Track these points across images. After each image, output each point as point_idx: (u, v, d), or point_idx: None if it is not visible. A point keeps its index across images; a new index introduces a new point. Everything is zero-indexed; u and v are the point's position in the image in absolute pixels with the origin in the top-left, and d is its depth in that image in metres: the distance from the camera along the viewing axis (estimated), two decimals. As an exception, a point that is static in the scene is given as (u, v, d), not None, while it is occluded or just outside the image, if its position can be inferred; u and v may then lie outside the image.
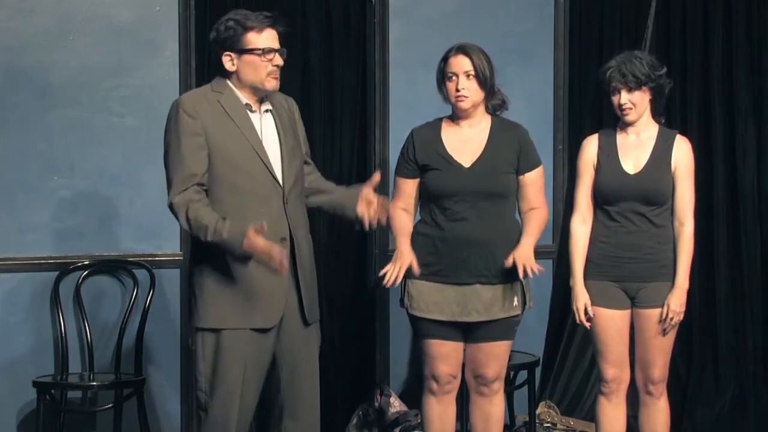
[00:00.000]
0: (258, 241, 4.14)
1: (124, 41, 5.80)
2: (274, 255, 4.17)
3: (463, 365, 4.95)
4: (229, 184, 4.31)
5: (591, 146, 5.04)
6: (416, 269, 4.75)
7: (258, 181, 4.32)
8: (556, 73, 6.46)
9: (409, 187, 4.91)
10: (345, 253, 6.22)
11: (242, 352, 4.30)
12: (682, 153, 4.97)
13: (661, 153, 4.95)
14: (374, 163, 6.14)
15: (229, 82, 4.39)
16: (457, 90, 4.79)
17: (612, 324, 4.96)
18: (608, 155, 4.99)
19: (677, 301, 4.90)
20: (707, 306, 6.32)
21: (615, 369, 4.99)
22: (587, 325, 4.97)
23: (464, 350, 4.92)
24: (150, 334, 5.81)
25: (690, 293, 4.98)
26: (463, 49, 4.81)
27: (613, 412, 5.03)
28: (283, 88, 4.51)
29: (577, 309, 4.97)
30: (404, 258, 4.77)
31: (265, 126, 4.42)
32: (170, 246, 5.87)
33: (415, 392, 5.72)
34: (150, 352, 5.84)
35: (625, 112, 4.95)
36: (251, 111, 4.40)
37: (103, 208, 5.81)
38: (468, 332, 4.86)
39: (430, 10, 6.27)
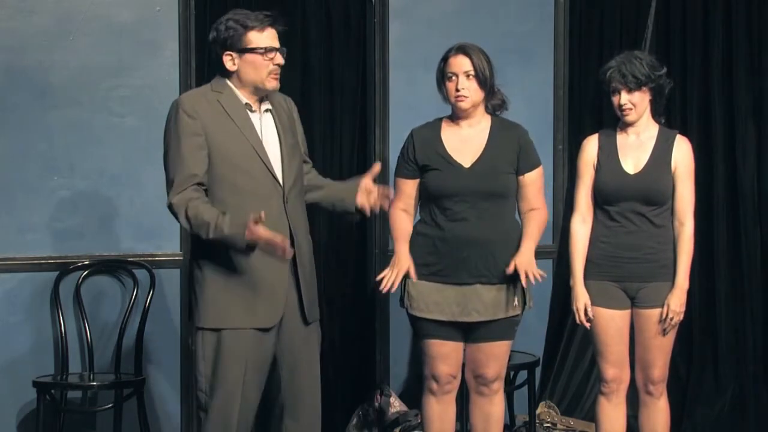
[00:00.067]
0: (260, 230, 4.14)
1: (124, 41, 5.80)
2: (278, 242, 4.17)
3: (463, 365, 4.95)
4: (230, 184, 4.31)
5: (591, 146, 5.04)
6: (413, 276, 4.78)
7: (258, 181, 4.32)
8: (556, 73, 6.46)
9: (409, 188, 4.91)
10: (345, 253, 6.22)
11: (243, 352, 4.30)
12: (682, 153, 4.97)
13: (661, 153, 4.95)
14: (374, 163, 6.14)
15: (228, 82, 4.39)
16: (457, 90, 4.79)
17: (612, 324, 4.96)
18: (608, 155, 4.99)
19: (677, 301, 4.90)
20: (707, 306, 6.32)
21: (615, 369, 4.99)
22: (587, 325, 4.98)
23: (464, 350, 4.92)
24: (150, 334, 5.81)
25: (690, 293, 4.98)
26: (462, 49, 4.81)
27: (613, 412, 5.03)
28: (283, 88, 4.51)
29: (577, 309, 4.97)
30: (401, 264, 4.79)
31: (265, 126, 4.42)
32: (170, 246, 5.87)
33: (415, 392, 5.72)
34: (150, 352, 5.84)
35: (625, 113, 4.95)
36: (251, 111, 4.40)
37: (103, 208, 5.81)
38: (468, 332, 4.86)
39: (430, 10, 6.27)
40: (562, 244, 5.90)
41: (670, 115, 5.72)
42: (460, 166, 4.82)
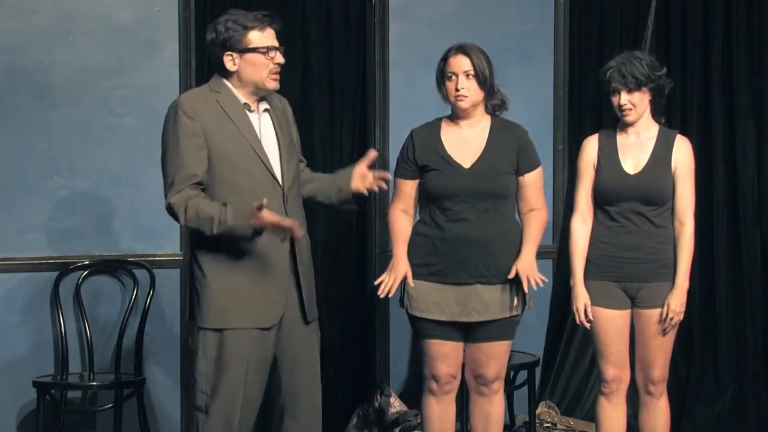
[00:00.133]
0: (265, 215, 4.15)
1: (124, 41, 5.80)
2: (285, 224, 4.18)
3: (463, 365, 4.95)
4: (229, 184, 4.31)
5: (591, 146, 5.04)
6: (411, 281, 4.79)
7: (257, 181, 4.32)
8: (556, 73, 6.46)
9: (409, 188, 4.91)
10: (345, 253, 6.22)
11: (245, 352, 4.30)
12: (683, 153, 4.97)
13: (662, 153, 4.95)
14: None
15: (227, 82, 4.39)
16: (457, 90, 4.79)
17: (612, 324, 4.96)
18: (608, 155, 4.99)
19: (677, 301, 4.90)
20: (707, 306, 6.32)
21: (615, 369, 4.99)
22: (587, 325, 4.98)
23: (464, 350, 4.92)
24: (150, 334, 5.81)
25: (690, 293, 4.98)
26: (462, 49, 4.81)
27: (613, 412, 5.03)
28: (283, 88, 4.51)
29: (577, 309, 4.97)
30: (399, 268, 4.80)
31: (263, 126, 4.42)
32: (170, 246, 5.87)
33: (415, 392, 5.72)
34: (150, 352, 5.84)
35: (624, 113, 4.94)
36: (250, 111, 4.40)
37: (103, 208, 5.81)
38: (468, 332, 4.86)
39: (430, 10, 6.27)
40: (562, 244, 5.90)
41: (670, 115, 5.72)
42: (459, 166, 4.82)
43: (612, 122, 5.11)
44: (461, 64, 4.79)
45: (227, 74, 4.38)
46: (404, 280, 4.81)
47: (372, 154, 4.58)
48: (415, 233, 4.88)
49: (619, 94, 4.93)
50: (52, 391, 5.54)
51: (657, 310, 4.91)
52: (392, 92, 6.19)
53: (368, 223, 6.21)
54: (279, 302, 4.35)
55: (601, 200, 4.98)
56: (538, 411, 6.14)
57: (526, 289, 4.75)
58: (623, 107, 4.93)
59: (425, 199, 4.89)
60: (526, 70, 6.28)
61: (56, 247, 5.75)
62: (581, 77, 6.47)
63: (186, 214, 4.25)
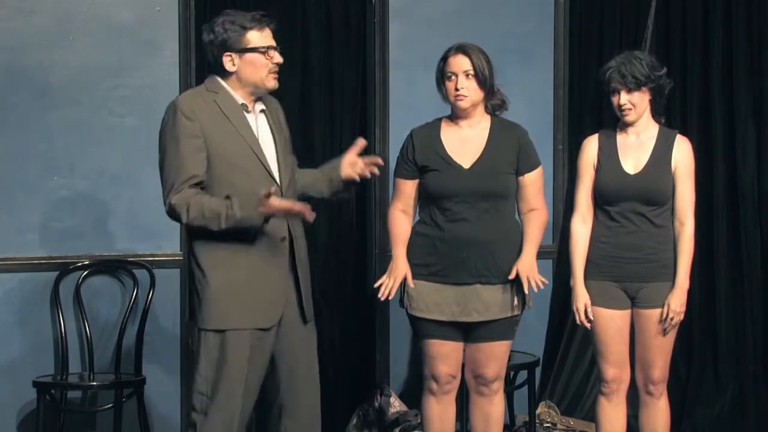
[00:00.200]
0: (274, 203, 4.16)
1: (124, 41, 5.80)
2: (297, 207, 4.21)
3: (463, 365, 4.95)
4: (228, 184, 4.30)
5: (591, 146, 5.04)
6: (410, 282, 4.79)
7: (256, 180, 4.32)
8: (556, 73, 6.46)
9: (409, 188, 4.91)
10: (345, 253, 6.22)
11: (245, 353, 4.30)
12: (683, 153, 4.97)
13: (662, 153, 4.95)
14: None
15: (223, 83, 4.39)
16: (457, 89, 4.79)
17: (612, 324, 4.96)
18: (608, 155, 4.98)
19: (677, 301, 4.90)
20: (707, 306, 6.32)
21: (615, 369, 4.99)
22: (587, 325, 4.98)
23: (464, 350, 4.92)
24: (150, 334, 5.81)
25: (690, 293, 4.98)
26: (462, 49, 4.81)
27: (613, 412, 5.03)
28: (283, 88, 4.51)
29: (578, 309, 4.96)
30: (399, 270, 4.81)
31: (260, 126, 4.43)
32: (170, 246, 5.87)
33: (415, 392, 5.72)
34: (150, 352, 5.83)
35: (624, 113, 4.94)
36: (247, 111, 4.40)
37: (103, 208, 5.81)
38: (468, 332, 4.86)
39: (430, 10, 6.27)
40: (562, 244, 5.90)
41: (670, 115, 5.72)
42: (459, 166, 4.82)
43: (612, 122, 5.11)
44: (461, 63, 4.79)
45: (225, 75, 4.38)
46: (404, 280, 4.81)
47: (360, 142, 4.60)
48: (415, 233, 4.88)
49: (619, 94, 4.92)
50: (52, 391, 5.55)
51: (657, 310, 4.91)
52: (392, 92, 6.19)
53: (368, 223, 6.21)
54: (279, 302, 4.36)
55: (601, 200, 4.98)
56: (538, 411, 6.14)
57: (526, 291, 4.75)
58: (623, 107, 4.93)
59: (425, 199, 4.88)
60: (526, 70, 6.28)
61: (56, 247, 5.75)
62: (581, 77, 6.47)
63: (189, 213, 4.24)
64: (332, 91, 6.15)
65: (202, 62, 5.74)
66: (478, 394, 4.96)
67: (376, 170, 4.61)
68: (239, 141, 4.33)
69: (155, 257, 5.86)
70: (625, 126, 5.00)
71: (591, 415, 5.67)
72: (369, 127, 6.20)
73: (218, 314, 4.31)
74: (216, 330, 4.31)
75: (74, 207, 5.77)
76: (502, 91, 4.90)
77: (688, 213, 4.94)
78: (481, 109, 4.88)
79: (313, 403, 4.50)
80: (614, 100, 4.95)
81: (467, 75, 4.79)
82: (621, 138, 5.01)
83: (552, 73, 6.45)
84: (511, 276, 4.75)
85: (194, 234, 4.34)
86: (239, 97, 4.39)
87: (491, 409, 4.96)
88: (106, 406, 5.62)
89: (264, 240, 4.30)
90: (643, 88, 4.92)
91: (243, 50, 4.34)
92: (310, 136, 6.03)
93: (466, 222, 4.79)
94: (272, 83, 4.40)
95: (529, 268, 4.76)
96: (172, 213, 4.29)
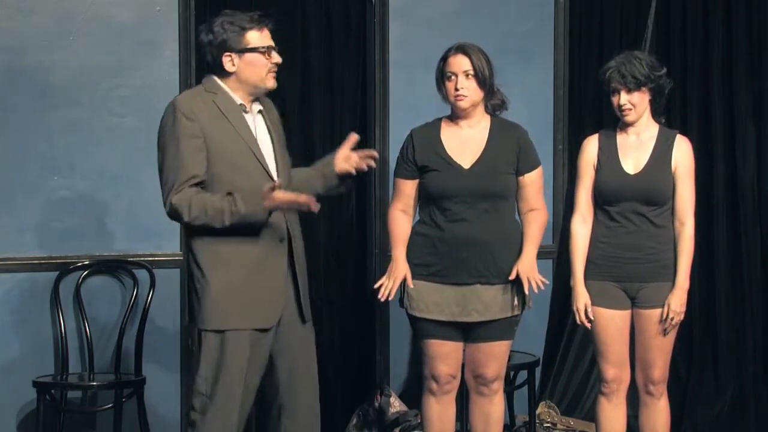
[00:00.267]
0: (278, 196, 4.17)
1: (124, 41, 5.80)
2: (302, 198, 4.22)
3: (463, 365, 4.95)
4: (227, 183, 4.30)
5: (591, 146, 5.04)
6: (410, 282, 4.79)
7: (255, 180, 4.32)
8: (556, 73, 6.46)
9: (409, 188, 4.91)
10: (345, 253, 6.22)
11: (245, 353, 4.30)
12: (683, 153, 4.97)
13: (662, 153, 4.95)
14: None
15: (221, 83, 4.39)
16: (456, 89, 4.79)
17: (612, 324, 4.96)
18: (608, 155, 4.98)
19: (678, 301, 4.90)
20: (707, 306, 6.32)
21: (615, 369, 4.99)
22: (587, 325, 4.98)
23: (464, 350, 4.92)
24: (150, 334, 5.81)
25: (690, 293, 4.98)
26: (462, 49, 4.81)
27: (613, 412, 5.03)
28: (283, 88, 4.51)
29: (578, 309, 4.96)
30: (398, 271, 4.81)
31: (258, 126, 4.44)
32: (170, 246, 5.87)
33: (415, 392, 5.72)
34: (150, 352, 5.83)
35: (624, 113, 4.94)
36: (245, 111, 4.41)
37: (103, 208, 5.81)
38: (468, 332, 4.86)
39: (430, 10, 6.27)
40: (562, 244, 5.90)
41: (670, 115, 5.72)
42: (459, 166, 4.82)
43: (612, 122, 5.11)
44: (461, 64, 4.79)
45: (223, 75, 4.38)
46: (404, 280, 4.81)
47: (353, 137, 4.60)
48: (415, 233, 4.88)
49: (619, 94, 4.92)
50: (52, 391, 5.54)
51: (657, 311, 4.91)
52: (392, 92, 6.19)
53: (368, 223, 6.21)
54: (278, 302, 4.36)
55: (601, 200, 4.98)
56: (538, 411, 6.14)
57: (526, 291, 4.76)
58: (623, 107, 4.93)
59: (425, 200, 4.88)
60: (526, 70, 6.28)
61: (56, 248, 5.75)
62: (581, 77, 6.47)
63: (191, 212, 4.24)
64: (332, 91, 6.15)
65: (202, 62, 5.71)
66: (478, 394, 4.96)
67: (372, 163, 4.61)
68: (238, 141, 4.34)
69: (155, 257, 5.86)
70: (625, 126, 5.00)
71: (591, 415, 5.67)
72: (369, 127, 6.20)
73: (218, 315, 4.31)
74: (216, 330, 4.31)
75: (74, 207, 5.77)
76: (502, 91, 4.90)
77: (688, 213, 4.94)
78: (481, 109, 4.88)
79: (312, 402, 4.50)
80: (614, 100, 4.95)
81: (467, 75, 4.79)
82: (621, 138, 5.01)
83: (552, 73, 6.45)
84: (512, 276, 4.76)
85: (193, 234, 4.34)
86: (238, 97, 4.39)
87: (491, 409, 4.96)
88: (106, 406, 5.62)
89: (263, 240, 4.30)
90: (643, 88, 4.92)
91: (243, 50, 4.34)
92: (310, 136, 6.03)
93: (466, 222, 4.79)
94: (271, 83, 4.40)
95: (529, 268, 4.76)
96: (173, 213, 4.29)
